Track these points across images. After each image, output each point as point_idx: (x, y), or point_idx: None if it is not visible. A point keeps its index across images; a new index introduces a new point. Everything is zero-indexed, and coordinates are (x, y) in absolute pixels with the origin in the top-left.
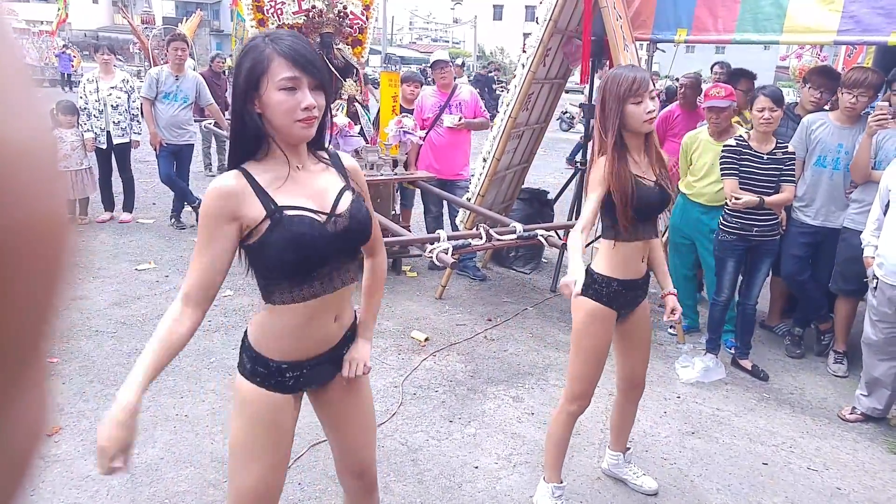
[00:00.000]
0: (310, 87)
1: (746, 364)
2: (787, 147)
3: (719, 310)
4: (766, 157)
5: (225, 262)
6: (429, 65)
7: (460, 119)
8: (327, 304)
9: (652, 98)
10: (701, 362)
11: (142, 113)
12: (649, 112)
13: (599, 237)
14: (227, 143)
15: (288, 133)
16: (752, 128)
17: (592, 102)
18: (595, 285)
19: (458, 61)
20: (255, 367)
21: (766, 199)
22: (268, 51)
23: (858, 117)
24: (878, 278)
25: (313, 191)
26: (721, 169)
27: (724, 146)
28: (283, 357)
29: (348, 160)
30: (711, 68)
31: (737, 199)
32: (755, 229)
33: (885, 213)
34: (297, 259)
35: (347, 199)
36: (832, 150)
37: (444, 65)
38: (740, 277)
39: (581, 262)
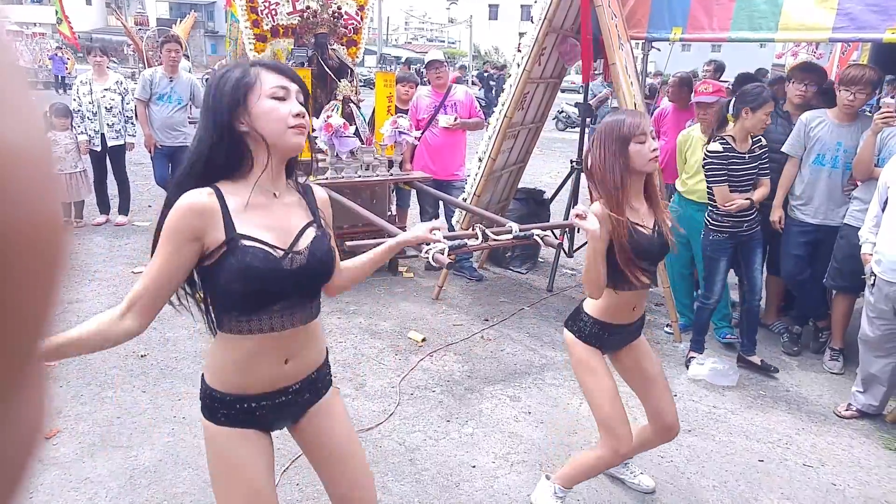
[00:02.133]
0: (298, 99)
1: (756, 360)
2: (761, 141)
3: (708, 313)
4: (747, 156)
5: (180, 279)
6: (423, 65)
7: (455, 119)
8: (276, 343)
9: (653, 137)
10: (713, 363)
11: (136, 115)
12: (654, 150)
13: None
14: None
15: (282, 141)
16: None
17: (588, 102)
18: (580, 322)
19: (458, 65)
20: (207, 400)
21: (754, 198)
22: (252, 70)
23: (857, 115)
24: (875, 275)
25: (279, 224)
26: (708, 176)
27: (710, 152)
28: (229, 389)
29: (320, 192)
30: (703, 66)
31: (731, 204)
32: (745, 224)
33: (883, 210)
34: (245, 291)
35: (310, 236)
36: (831, 149)
37: (440, 65)
38: (731, 279)
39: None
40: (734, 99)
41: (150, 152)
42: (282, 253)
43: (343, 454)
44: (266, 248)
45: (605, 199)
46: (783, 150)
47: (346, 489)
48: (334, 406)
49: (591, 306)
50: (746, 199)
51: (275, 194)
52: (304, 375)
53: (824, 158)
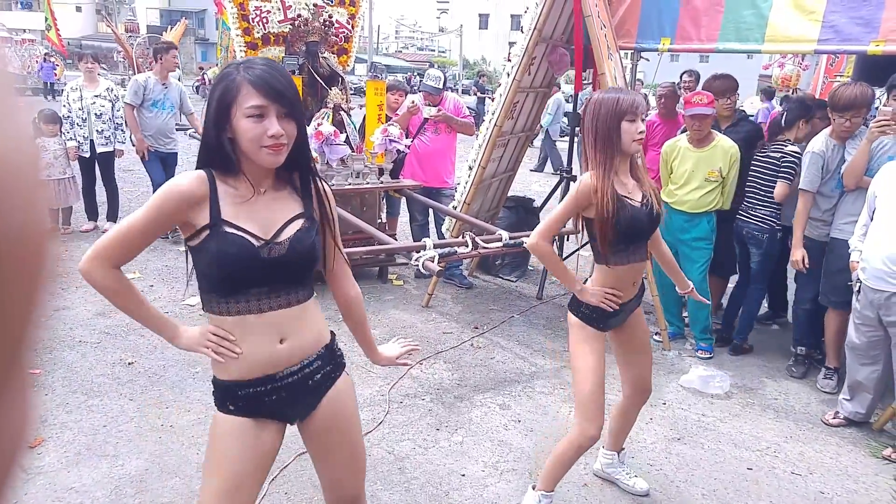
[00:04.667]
0: (278, 116)
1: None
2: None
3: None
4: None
5: (153, 239)
6: (420, 84)
7: (439, 111)
8: (266, 322)
9: (642, 120)
10: (705, 371)
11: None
12: (640, 132)
13: (586, 243)
14: None
15: (256, 158)
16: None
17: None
18: (583, 307)
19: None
20: (216, 391)
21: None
22: (238, 78)
23: (862, 131)
24: (861, 282)
25: (264, 216)
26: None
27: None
28: (231, 376)
29: (326, 186)
30: (681, 77)
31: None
32: None
33: (871, 220)
34: (220, 275)
35: (294, 227)
36: None
37: (438, 92)
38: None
39: (572, 273)
40: (787, 111)
41: (143, 158)
42: (262, 242)
43: (348, 443)
44: (246, 236)
45: (594, 169)
46: (801, 187)
47: (342, 474)
48: (346, 392)
49: (592, 286)
50: None
51: (261, 190)
52: (304, 356)
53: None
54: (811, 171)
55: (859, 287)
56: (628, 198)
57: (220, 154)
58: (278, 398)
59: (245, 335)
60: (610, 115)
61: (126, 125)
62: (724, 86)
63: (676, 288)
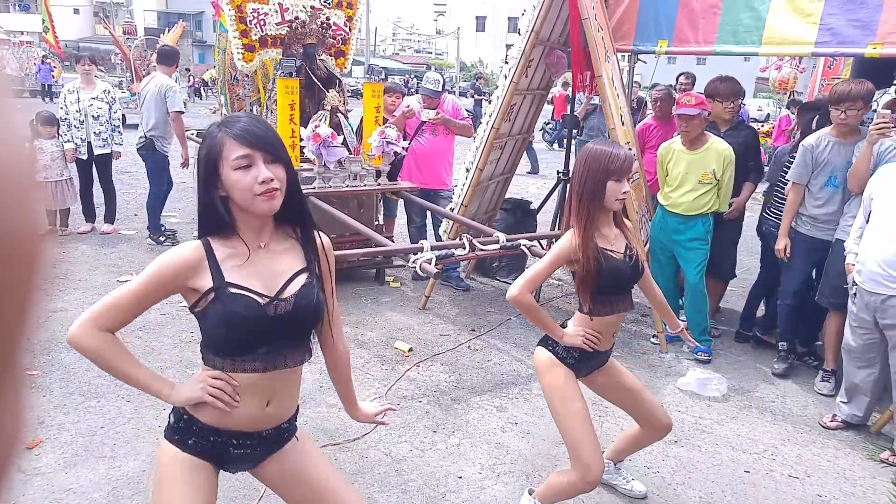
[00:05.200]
0: (265, 162)
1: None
2: None
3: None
4: None
5: (147, 306)
6: (419, 85)
7: (437, 114)
8: (259, 384)
9: (629, 179)
10: (703, 374)
11: (123, 123)
12: (624, 192)
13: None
14: None
15: (252, 208)
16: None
17: (574, 113)
18: (558, 345)
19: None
20: (181, 424)
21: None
22: (220, 135)
23: (858, 130)
24: (856, 284)
25: (267, 272)
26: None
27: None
28: (210, 421)
29: (325, 238)
30: (677, 79)
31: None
32: None
33: (867, 222)
34: (228, 335)
35: (298, 283)
36: (842, 168)
37: (437, 95)
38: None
39: (553, 322)
40: (820, 115)
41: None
42: (267, 300)
43: (326, 489)
44: (252, 295)
45: (576, 226)
46: (788, 177)
47: None
48: (306, 445)
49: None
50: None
51: (261, 245)
52: (277, 423)
53: (836, 179)
54: (798, 163)
55: (855, 290)
56: (610, 250)
57: (215, 215)
58: (244, 453)
59: (241, 393)
60: (599, 172)
61: (123, 127)
62: (729, 89)
63: (667, 328)
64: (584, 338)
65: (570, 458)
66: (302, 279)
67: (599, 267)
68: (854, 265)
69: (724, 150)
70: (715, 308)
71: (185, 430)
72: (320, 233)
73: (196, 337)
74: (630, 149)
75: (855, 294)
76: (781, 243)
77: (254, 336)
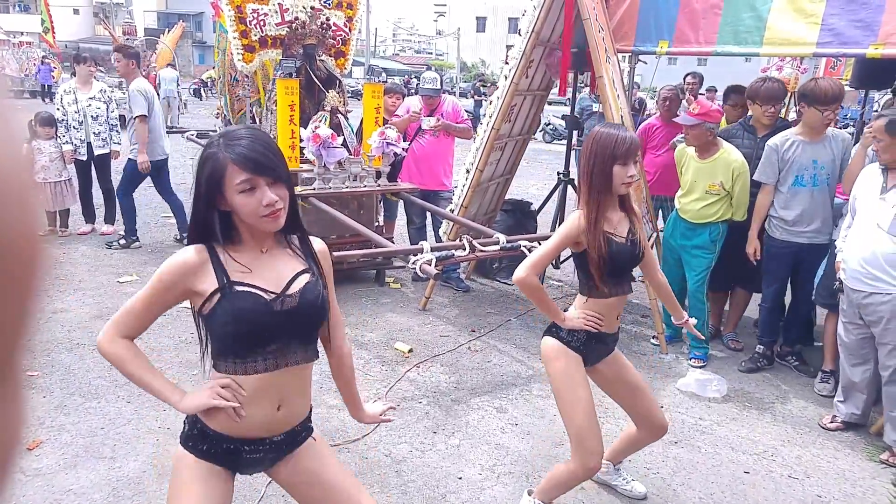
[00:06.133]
0: (268, 184)
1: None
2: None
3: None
4: None
5: (158, 315)
6: (418, 85)
7: (438, 121)
8: (270, 386)
9: (635, 163)
10: (703, 375)
11: (121, 124)
12: (630, 176)
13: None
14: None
15: (257, 227)
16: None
17: (575, 114)
18: (563, 330)
19: (444, 76)
20: (195, 432)
21: None
22: (221, 157)
23: (823, 132)
24: (842, 282)
25: (270, 273)
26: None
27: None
28: (222, 429)
29: (319, 244)
30: (684, 79)
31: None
32: None
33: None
34: (237, 332)
35: (302, 281)
36: (808, 168)
37: (436, 93)
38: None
39: (556, 306)
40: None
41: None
42: (273, 296)
43: (341, 492)
44: (258, 291)
45: (584, 208)
46: (755, 178)
47: None
48: (322, 447)
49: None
50: None
51: (263, 250)
52: (290, 427)
53: (803, 179)
54: (764, 163)
55: (843, 287)
56: (612, 234)
57: (213, 228)
58: (257, 458)
59: (250, 398)
60: (605, 156)
61: (121, 127)
62: (771, 93)
63: (672, 318)
64: (585, 319)
65: (572, 444)
66: (305, 277)
67: (600, 250)
68: (841, 263)
69: (734, 162)
70: (736, 319)
71: (199, 437)
72: (316, 238)
73: (195, 338)
74: None
75: (843, 291)
76: (751, 248)
77: (261, 332)
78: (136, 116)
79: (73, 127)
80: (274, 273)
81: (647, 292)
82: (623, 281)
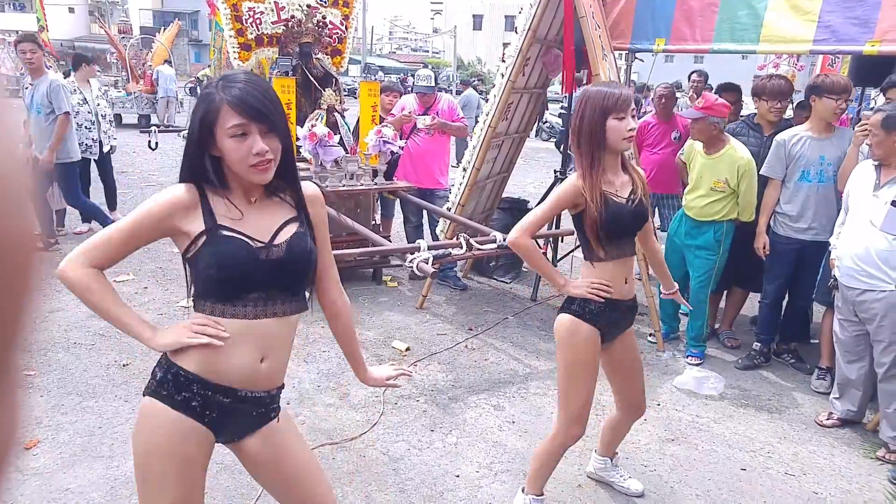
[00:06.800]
0: (261, 133)
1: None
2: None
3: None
4: None
5: (134, 250)
6: (414, 84)
7: (433, 119)
8: (253, 333)
9: (633, 116)
10: (700, 372)
11: (119, 123)
12: (630, 129)
13: (578, 246)
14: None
15: (245, 176)
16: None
17: (571, 112)
18: (575, 304)
19: (440, 74)
20: (168, 377)
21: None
22: (217, 99)
23: (834, 127)
24: (837, 279)
25: (259, 221)
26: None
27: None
28: (199, 370)
29: (310, 189)
30: (689, 77)
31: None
32: None
33: None
34: (220, 277)
35: (289, 231)
36: (815, 163)
37: (431, 91)
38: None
39: (554, 269)
40: None
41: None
42: (260, 245)
43: (303, 478)
44: (244, 238)
45: (579, 169)
46: (762, 173)
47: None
48: (289, 429)
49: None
50: None
51: (251, 200)
52: (268, 387)
53: (809, 174)
54: (771, 158)
55: (837, 284)
56: (613, 195)
57: (205, 172)
58: (236, 410)
59: (234, 342)
60: (595, 111)
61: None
62: (778, 89)
63: (661, 288)
64: (588, 288)
65: (561, 415)
66: (293, 227)
67: (597, 206)
68: (835, 260)
69: (740, 160)
70: (732, 318)
71: (174, 383)
72: (309, 183)
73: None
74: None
75: (837, 289)
76: (760, 242)
77: (244, 279)
78: (64, 113)
79: (87, 127)
80: (262, 222)
81: (644, 289)
82: (625, 244)
